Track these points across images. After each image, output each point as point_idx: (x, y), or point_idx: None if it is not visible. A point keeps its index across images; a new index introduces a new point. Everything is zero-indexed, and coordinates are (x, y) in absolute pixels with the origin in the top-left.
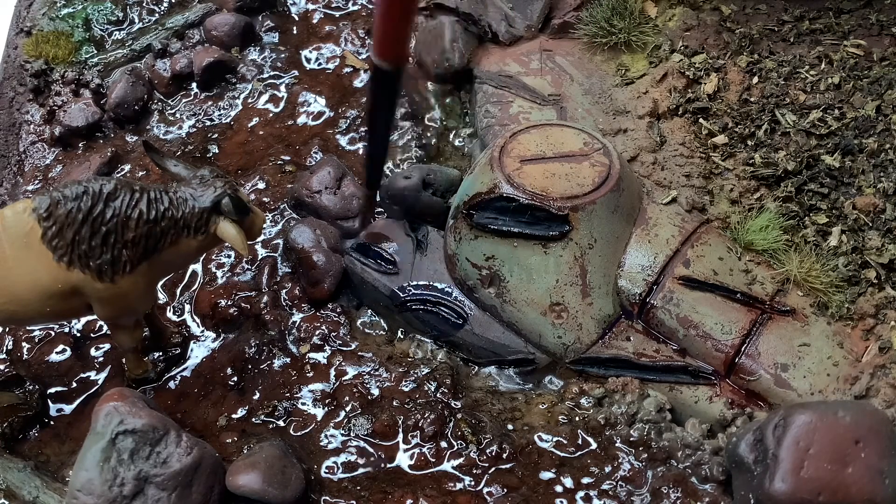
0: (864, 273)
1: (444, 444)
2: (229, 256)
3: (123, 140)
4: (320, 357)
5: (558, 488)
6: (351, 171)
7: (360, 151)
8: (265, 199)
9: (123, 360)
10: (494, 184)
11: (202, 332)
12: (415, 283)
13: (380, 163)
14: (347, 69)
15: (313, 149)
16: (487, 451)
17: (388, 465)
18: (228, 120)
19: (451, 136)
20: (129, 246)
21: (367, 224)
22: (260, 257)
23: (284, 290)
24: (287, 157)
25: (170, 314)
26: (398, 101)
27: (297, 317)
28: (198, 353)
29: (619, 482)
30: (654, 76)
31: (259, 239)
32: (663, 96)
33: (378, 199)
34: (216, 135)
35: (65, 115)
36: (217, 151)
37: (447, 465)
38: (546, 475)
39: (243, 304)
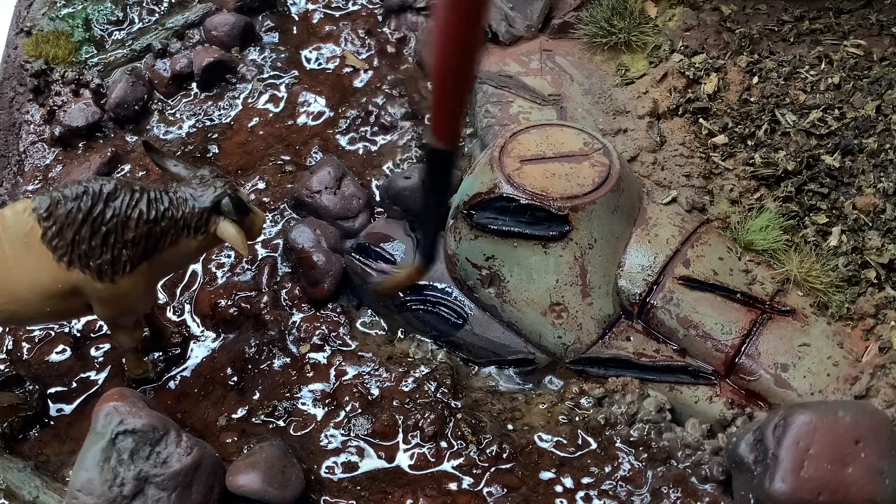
0: (864, 273)
1: (444, 444)
2: (229, 256)
3: (123, 140)
4: (320, 357)
5: (558, 488)
6: (351, 172)
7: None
8: (265, 199)
9: (123, 360)
10: (494, 184)
11: (202, 332)
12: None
13: (434, 238)
14: (347, 69)
15: (313, 149)
16: (487, 451)
17: (388, 465)
18: (228, 120)
19: None
20: (129, 246)
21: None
22: (260, 257)
23: (284, 290)
24: (287, 157)
25: (170, 314)
26: (452, 177)
27: (297, 317)
28: (198, 353)
29: (619, 482)
30: (654, 76)
31: (259, 239)
32: (663, 96)
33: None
34: (216, 135)
35: (65, 115)
36: (217, 151)
37: (447, 465)
38: (546, 475)
39: (243, 304)
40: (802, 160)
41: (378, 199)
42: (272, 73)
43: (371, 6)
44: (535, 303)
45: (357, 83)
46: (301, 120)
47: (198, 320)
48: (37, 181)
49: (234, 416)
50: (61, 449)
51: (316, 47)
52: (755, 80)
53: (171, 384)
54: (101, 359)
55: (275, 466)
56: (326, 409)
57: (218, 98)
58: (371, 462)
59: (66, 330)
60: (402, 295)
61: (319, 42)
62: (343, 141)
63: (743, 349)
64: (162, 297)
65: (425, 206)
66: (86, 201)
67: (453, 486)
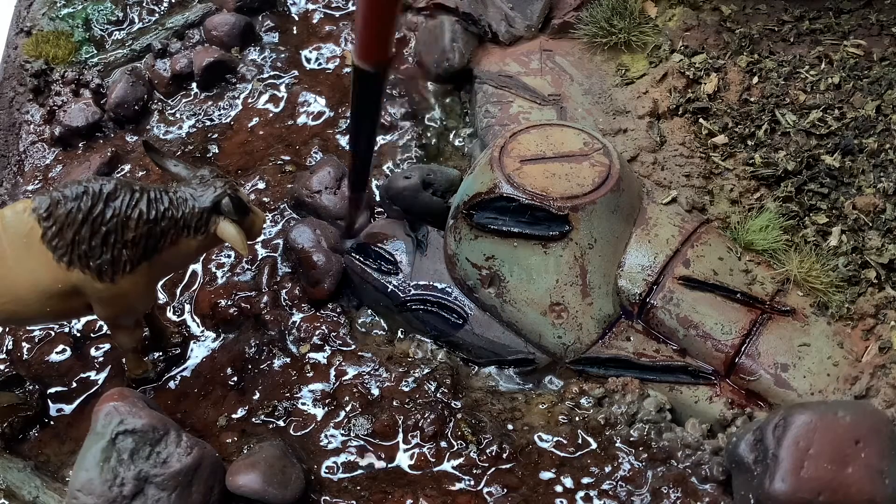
0: (864, 273)
1: (444, 444)
2: (229, 256)
3: (123, 140)
4: (320, 357)
5: (558, 488)
6: None
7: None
8: (265, 199)
9: (123, 360)
10: (494, 184)
11: (202, 332)
12: (415, 282)
13: (365, 166)
14: (347, 69)
15: (313, 149)
16: (487, 451)
17: (388, 465)
18: (228, 120)
19: (451, 136)
20: (129, 246)
21: (353, 228)
22: (260, 257)
23: (284, 290)
24: (287, 157)
25: (170, 314)
26: (381, 103)
27: (297, 317)
28: (198, 353)
29: (619, 482)
30: (654, 76)
31: (259, 239)
32: (663, 96)
33: (365, 201)
34: (216, 135)
35: (65, 115)
36: (217, 151)
37: (447, 465)
38: (546, 475)
39: (243, 304)
40: (802, 160)
41: (378, 199)
42: (272, 73)
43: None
44: (535, 303)
45: None
46: (301, 120)
47: (198, 320)
48: (37, 181)
49: (234, 416)
50: (61, 449)
51: (316, 47)
52: (755, 80)
53: (171, 384)
54: (101, 359)
55: (275, 466)
56: (326, 409)
57: (218, 98)
58: (371, 462)
59: (66, 330)
60: (402, 294)
61: (319, 42)
62: (343, 141)
63: (743, 349)
64: (162, 297)
65: (355, 132)
66: (86, 201)
67: (453, 486)
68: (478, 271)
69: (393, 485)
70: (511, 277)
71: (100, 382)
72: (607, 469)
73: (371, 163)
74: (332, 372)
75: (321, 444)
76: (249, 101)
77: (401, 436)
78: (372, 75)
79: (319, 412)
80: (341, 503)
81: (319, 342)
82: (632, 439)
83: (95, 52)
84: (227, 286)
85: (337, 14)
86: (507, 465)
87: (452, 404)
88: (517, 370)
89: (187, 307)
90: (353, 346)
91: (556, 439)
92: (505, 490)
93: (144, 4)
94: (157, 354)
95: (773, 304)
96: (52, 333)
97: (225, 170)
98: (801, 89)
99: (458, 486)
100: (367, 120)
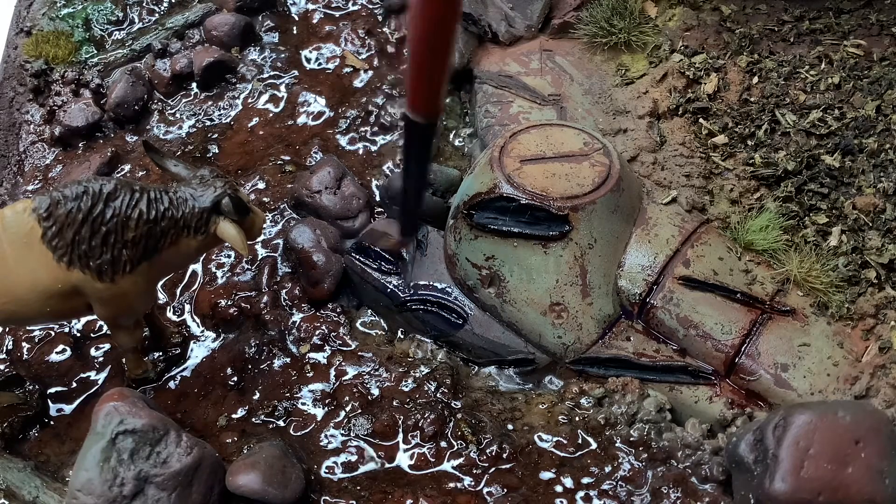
0: (864, 273)
1: (444, 444)
2: (229, 256)
3: (123, 140)
4: (320, 357)
5: (558, 488)
6: (351, 172)
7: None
8: (265, 199)
9: (123, 360)
10: (494, 184)
11: (202, 332)
12: (415, 282)
13: (414, 213)
14: (347, 69)
15: (313, 149)
16: (487, 451)
17: (388, 465)
18: (228, 120)
19: (451, 136)
20: (129, 246)
21: (404, 272)
22: (260, 257)
23: (284, 290)
24: (287, 157)
25: (170, 314)
26: (432, 152)
27: (297, 317)
28: (198, 353)
29: (619, 482)
30: (654, 76)
31: (259, 239)
32: (663, 96)
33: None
34: (216, 135)
35: (65, 115)
36: (217, 151)
37: (447, 465)
38: (546, 475)
39: (243, 304)
40: (802, 160)
41: (378, 199)
42: (272, 73)
43: (371, 6)
44: (535, 303)
45: (357, 83)
46: (301, 120)
47: (198, 320)
48: (37, 181)
49: (234, 416)
50: (61, 449)
51: (316, 47)
52: (755, 80)
53: (171, 384)
54: (101, 359)
55: (275, 466)
56: (326, 409)
57: (218, 98)
58: (371, 462)
59: (66, 330)
60: (402, 294)
61: (319, 42)
62: (343, 141)
63: (743, 349)
64: (162, 297)
65: (406, 180)
66: (86, 201)
67: (453, 486)
68: (478, 271)
69: (393, 485)
70: (511, 277)
71: (100, 382)
72: (607, 469)
73: (419, 212)
74: (332, 372)
75: (321, 444)
76: (249, 101)
77: (401, 436)
78: (423, 126)
79: (319, 412)
80: (341, 503)
81: (319, 342)
82: (632, 439)
83: (95, 52)
84: (227, 286)
85: (337, 14)
86: (507, 465)
87: (452, 404)
88: (517, 370)
89: (187, 307)
90: (353, 346)
91: (556, 439)
92: (505, 490)
93: (144, 4)
94: (157, 354)
95: (773, 304)
96: (52, 333)
97: (225, 170)
98: (801, 89)
99: (458, 486)
100: (417, 168)
